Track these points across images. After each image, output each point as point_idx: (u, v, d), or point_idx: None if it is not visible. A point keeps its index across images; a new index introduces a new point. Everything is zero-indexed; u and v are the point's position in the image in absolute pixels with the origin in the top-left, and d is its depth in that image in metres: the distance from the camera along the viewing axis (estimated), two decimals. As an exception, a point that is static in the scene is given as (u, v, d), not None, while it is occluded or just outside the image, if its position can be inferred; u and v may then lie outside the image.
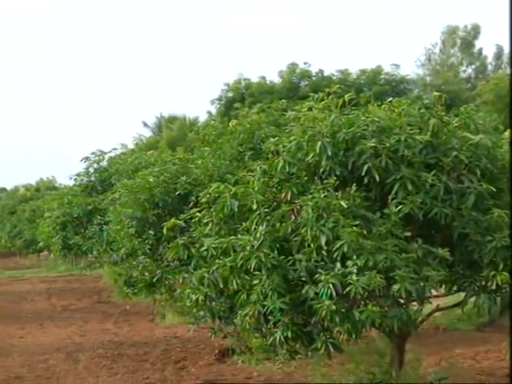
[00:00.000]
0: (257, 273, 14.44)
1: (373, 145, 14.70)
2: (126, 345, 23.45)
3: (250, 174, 15.91)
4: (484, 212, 14.85)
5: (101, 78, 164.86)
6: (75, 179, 33.73)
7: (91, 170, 31.59)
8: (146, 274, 23.11)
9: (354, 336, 14.32)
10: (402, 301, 14.43)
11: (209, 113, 56.40)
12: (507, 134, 19.75)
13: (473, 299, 15.73)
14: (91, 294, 36.34)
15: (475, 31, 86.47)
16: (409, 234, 14.34)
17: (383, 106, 16.40)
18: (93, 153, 31.16)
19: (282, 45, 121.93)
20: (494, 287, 14.77)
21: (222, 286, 15.25)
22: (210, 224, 16.15)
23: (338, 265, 13.90)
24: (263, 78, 57.45)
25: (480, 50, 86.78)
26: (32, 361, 21.53)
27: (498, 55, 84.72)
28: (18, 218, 58.42)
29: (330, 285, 13.71)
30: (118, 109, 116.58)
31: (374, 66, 56.53)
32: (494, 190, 14.99)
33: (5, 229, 63.48)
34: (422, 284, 14.21)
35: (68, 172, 41.93)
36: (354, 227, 13.92)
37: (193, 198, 18.37)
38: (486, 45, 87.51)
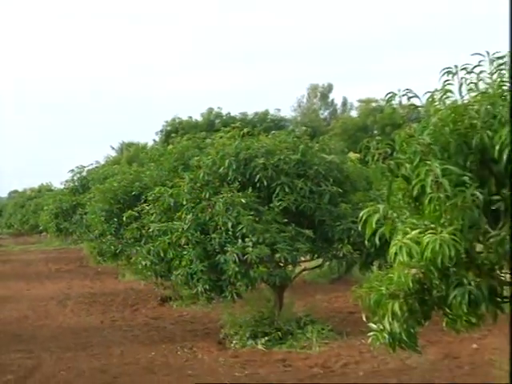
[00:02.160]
0: (186, 246, 14.51)
1: (262, 161, 14.82)
2: (98, 294, 23.35)
3: (181, 180, 15.92)
4: (335, 205, 14.99)
5: (80, 113, 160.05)
6: (64, 184, 34.02)
7: (75, 178, 31.55)
8: (112, 247, 23.11)
9: (250, 287, 14.40)
10: (281, 264, 14.50)
11: (154, 140, 56.64)
12: (350, 154, 19.83)
13: (327, 263, 15.89)
14: (75, 261, 36.13)
15: (329, 88, 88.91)
16: (286, 220, 14.41)
17: (269, 136, 16.46)
18: (76, 167, 31.24)
19: (203, 95, 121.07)
20: (341, 255, 14.88)
21: (162, 255, 15.25)
22: (155, 214, 16.17)
23: (240, 241, 13.96)
24: (190, 117, 57.95)
25: (332, 100, 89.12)
26: (35, 305, 21.42)
27: (344, 104, 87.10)
28: (26, 210, 58.05)
29: (235, 254, 13.79)
30: (95, 135, 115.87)
31: (263, 109, 57.66)
32: (341, 191, 15.24)
33: (17, 217, 63.22)
34: (294, 253, 14.32)
35: (60, 179, 41.94)
36: (250, 216, 14.00)
37: (143, 197, 18.33)
38: (337, 96, 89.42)
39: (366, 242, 8.47)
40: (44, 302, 22.29)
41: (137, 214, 18.96)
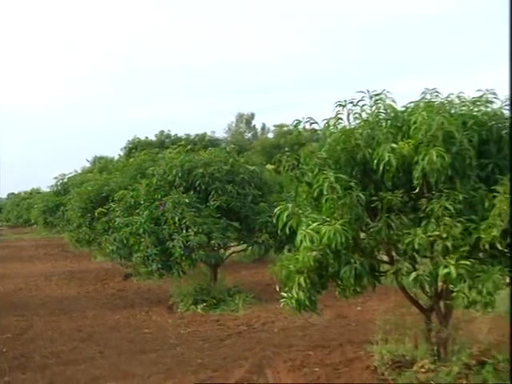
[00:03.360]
0: (143, 235, 14.35)
1: (201, 171, 14.80)
2: (76, 272, 23.07)
3: (139, 185, 15.81)
4: (256, 204, 15.01)
5: (63, 134, 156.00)
6: (50, 188, 33.72)
7: (58, 183, 31.11)
8: (86, 236, 22.92)
9: (192, 266, 14.39)
10: (215, 248, 14.50)
11: (119, 154, 56.20)
12: (267, 166, 19.90)
13: (250, 247, 15.92)
14: (58, 247, 35.58)
15: (252, 116, 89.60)
16: (219, 215, 14.40)
17: (206, 152, 16.42)
18: (59, 174, 30.87)
19: (156, 121, 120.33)
20: (260, 241, 14.91)
21: (125, 242, 15.12)
22: (119, 211, 15.99)
23: (184, 231, 13.90)
24: (146, 137, 57.68)
25: (254, 125, 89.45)
26: (27, 280, 21.09)
27: (263, 128, 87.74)
28: (20, 208, 57.14)
29: (180, 241, 13.73)
30: (74, 151, 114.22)
31: (202, 131, 57.87)
32: (260, 193, 15.32)
33: (13, 214, 62.38)
34: (225, 240, 14.33)
35: (47, 184, 41.38)
36: (192, 212, 13.96)
37: (110, 197, 18.12)
38: (258, 123, 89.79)
39: (279, 232, 8.53)
40: (34, 277, 21.96)
41: (105, 211, 18.82)
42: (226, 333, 12.15)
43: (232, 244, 15.65)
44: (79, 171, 34.18)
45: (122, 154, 56.34)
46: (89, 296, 17.70)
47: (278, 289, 8.50)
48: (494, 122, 8.21)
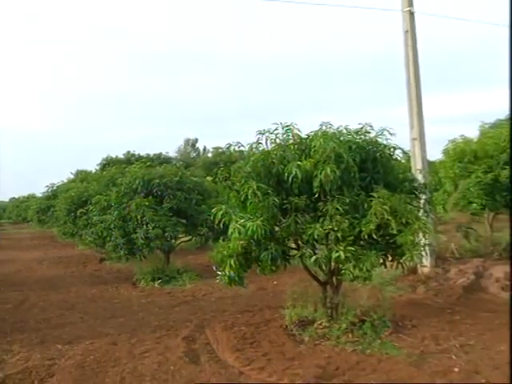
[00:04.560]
0: (113, 229, 14.12)
1: (158, 181, 14.64)
2: (63, 257, 22.41)
3: (111, 192, 15.53)
4: (199, 206, 14.90)
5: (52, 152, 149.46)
6: (43, 193, 33.09)
7: (49, 190, 30.38)
8: (71, 230, 22.47)
9: (151, 252, 14.23)
10: (168, 239, 14.32)
11: (95, 169, 54.93)
12: (207, 178, 19.79)
13: (194, 238, 15.81)
14: (49, 238, 34.58)
15: (196, 140, 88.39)
16: (171, 214, 14.25)
17: (162, 167, 16.26)
18: (50, 183, 30.22)
19: (125, 142, 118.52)
20: (202, 233, 14.87)
21: (100, 234, 14.89)
22: (96, 211, 15.67)
23: (145, 226, 13.73)
24: (117, 156, 56.67)
25: (198, 147, 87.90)
26: (24, 265, 20.41)
27: (204, 149, 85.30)
28: (19, 209, 55.61)
29: (142, 233, 13.57)
30: (61, 165, 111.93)
31: (158, 151, 57.12)
32: (202, 198, 15.20)
33: (14, 213, 60.61)
34: (176, 233, 14.18)
35: (40, 191, 40.44)
36: (151, 212, 13.80)
37: (89, 201, 17.77)
38: (200, 145, 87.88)
39: (216, 226, 8.52)
40: (30, 262, 21.28)
41: (85, 211, 18.46)
42: (175, 302, 12.05)
43: (181, 236, 15.49)
44: (65, 181, 33.26)
45: (98, 168, 55.39)
46: (72, 275, 17.27)
47: (214, 269, 8.48)
48: (370, 147, 8.43)
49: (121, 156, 57.06)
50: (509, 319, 7.11)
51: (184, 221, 14.63)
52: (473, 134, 16.52)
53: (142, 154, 56.18)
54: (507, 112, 17.41)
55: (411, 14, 12.91)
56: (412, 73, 12.87)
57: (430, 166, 15.42)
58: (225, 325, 9.47)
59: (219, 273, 8.26)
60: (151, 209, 14.11)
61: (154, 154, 56.44)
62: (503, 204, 14.53)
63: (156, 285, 14.20)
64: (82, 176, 35.23)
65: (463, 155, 15.44)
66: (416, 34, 12.99)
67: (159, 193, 14.71)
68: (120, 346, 8.63)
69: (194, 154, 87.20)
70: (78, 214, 20.12)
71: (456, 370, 6.79)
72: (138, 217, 13.96)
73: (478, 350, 7.51)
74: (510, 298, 8.19)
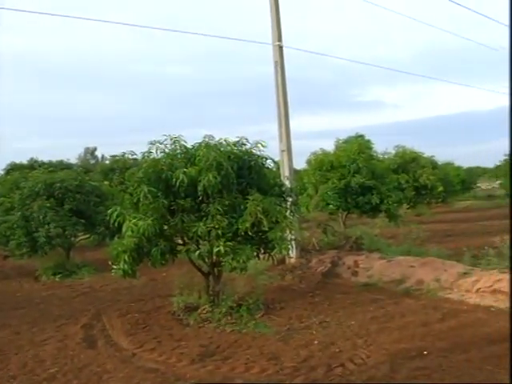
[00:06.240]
0: (17, 229, 13.18)
1: (59, 185, 13.82)
2: None
3: (15, 194, 14.45)
4: (97, 207, 14.22)
5: None
6: None
7: None
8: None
9: (53, 249, 13.48)
10: (69, 237, 13.59)
11: (0, 173, 51.28)
12: (105, 182, 19.05)
13: (93, 236, 15.01)
14: None
15: (95, 149, 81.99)
16: (71, 215, 13.57)
17: (63, 172, 15.39)
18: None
19: (29, 151, 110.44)
20: (99, 232, 14.13)
21: (4, 233, 13.80)
22: (0, 212, 14.52)
23: (47, 226, 12.99)
24: (21, 161, 52.90)
25: (96, 155, 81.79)
26: None
27: (102, 157, 76.71)
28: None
29: (44, 232, 12.87)
30: None
31: (60, 159, 53.93)
32: (100, 200, 14.48)
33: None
34: (75, 231, 13.53)
35: None
36: (52, 212, 13.07)
37: None
38: (99, 154, 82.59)
39: (111, 225, 8.23)
40: None
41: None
42: (75, 293, 11.48)
43: (80, 234, 14.77)
44: None
45: (2, 173, 51.77)
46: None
47: (110, 263, 8.17)
48: (246, 157, 8.52)
49: (25, 162, 53.75)
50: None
51: (83, 221, 13.95)
52: (330, 147, 17.29)
53: (45, 160, 53.17)
54: (356, 130, 18.58)
55: (280, 47, 13.21)
56: (281, 96, 13.18)
57: (296, 174, 15.98)
58: (120, 312, 9.17)
59: (114, 267, 8.00)
60: (52, 210, 13.37)
61: (57, 161, 53.61)
62: (353, 205, 15.48)
63: (57, 279, 13.43)
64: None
65: (322, 165, 16.23)
66: (284, 65, 13.28)
67: (60, 195, 13.91)
68: (22, 335, 8.10)
69: (93, 161, 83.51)
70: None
71: (316, 342, 6.99)
72: (40, 217, 13.17)
73: (333, 325, 7.79)
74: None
